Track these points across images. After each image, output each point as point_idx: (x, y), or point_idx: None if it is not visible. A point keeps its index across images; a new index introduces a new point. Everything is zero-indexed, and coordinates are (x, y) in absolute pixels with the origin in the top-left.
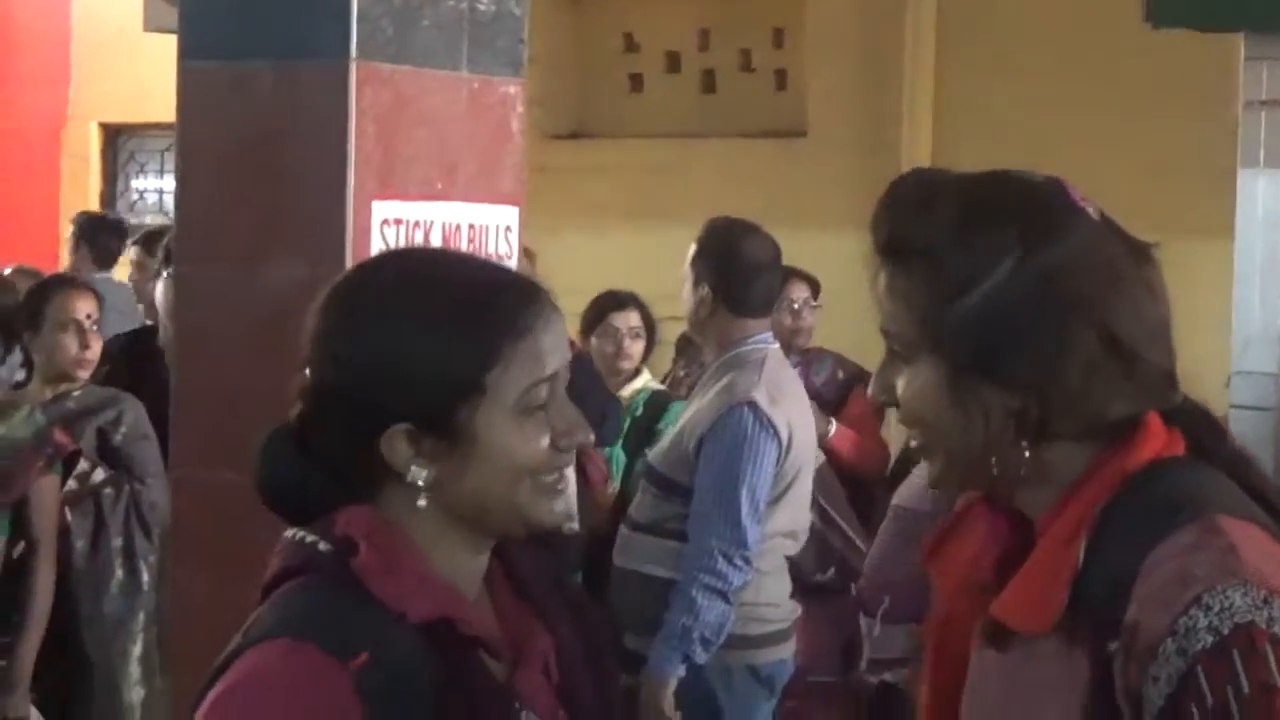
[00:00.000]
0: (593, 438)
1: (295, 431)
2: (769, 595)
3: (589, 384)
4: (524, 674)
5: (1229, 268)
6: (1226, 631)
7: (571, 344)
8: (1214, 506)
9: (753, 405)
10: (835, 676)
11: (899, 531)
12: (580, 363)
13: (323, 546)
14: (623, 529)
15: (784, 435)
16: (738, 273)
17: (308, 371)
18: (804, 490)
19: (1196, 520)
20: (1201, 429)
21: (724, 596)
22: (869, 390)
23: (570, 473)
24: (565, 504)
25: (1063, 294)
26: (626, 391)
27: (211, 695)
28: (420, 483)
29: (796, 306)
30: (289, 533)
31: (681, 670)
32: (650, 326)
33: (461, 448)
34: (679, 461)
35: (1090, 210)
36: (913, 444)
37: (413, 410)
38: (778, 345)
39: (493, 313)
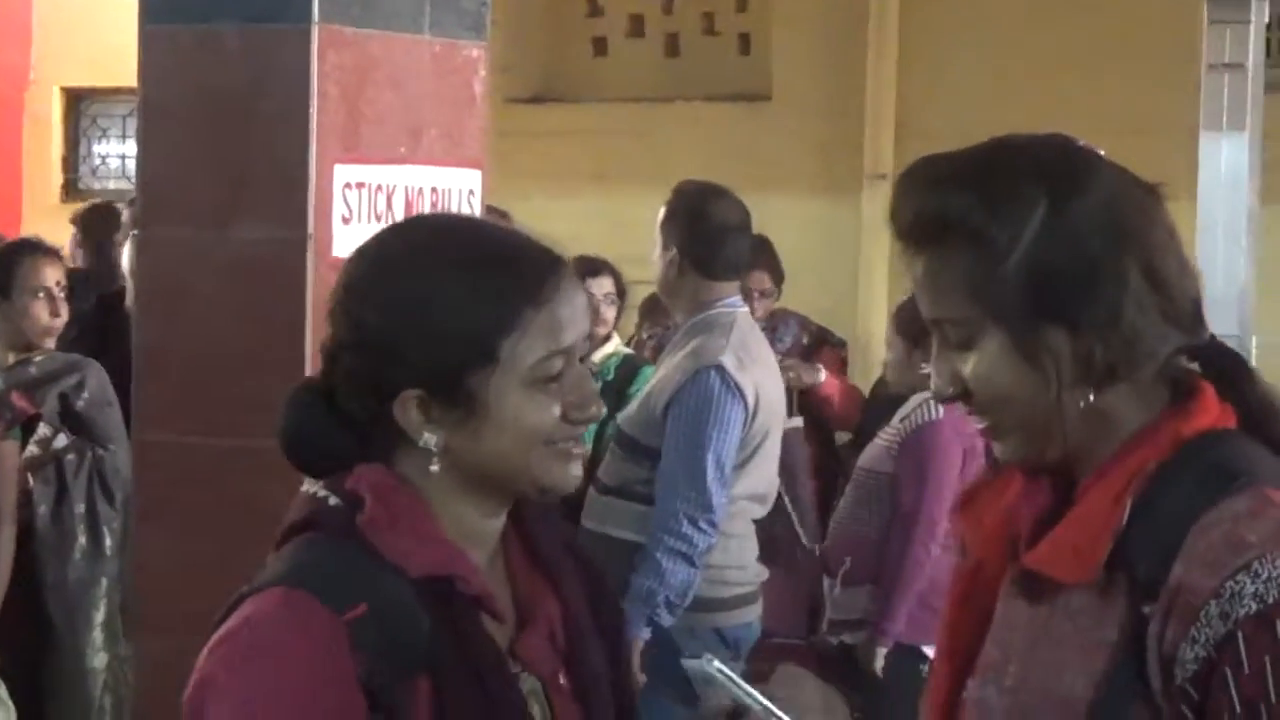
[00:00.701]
0: (604, 412)
1: (318, 387)
2: (735, 558)
3: None
4: (528, 637)
5: (1192, 229)
6: (1271, 600)
7: None
8: (1268, 479)
9: (720, 369)
10: (800, 638)
11: (861, 493)
12: None
13: (332, 501)
14: (591, 492)
15: (751, 399)
16: (706, 235)
17: (330, 329)
18: (771, 454)
19: (1251, 488)
20: (1231, 367)
21: (689, 560)
22: (932, 388)
23: None
24: (579, 469)
25: (1109, 231)
26: (598, 356)
27: (210, 642)
28: (432, 448)
29: (756, 297)
30: (304, 487)
31: (647, 633)
32: (622, 292)
33: (473, 415)
34: (646, 424)
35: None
36: (978, 427)
37: (425, 376)
38: (747, 309)
39: (510, 281)
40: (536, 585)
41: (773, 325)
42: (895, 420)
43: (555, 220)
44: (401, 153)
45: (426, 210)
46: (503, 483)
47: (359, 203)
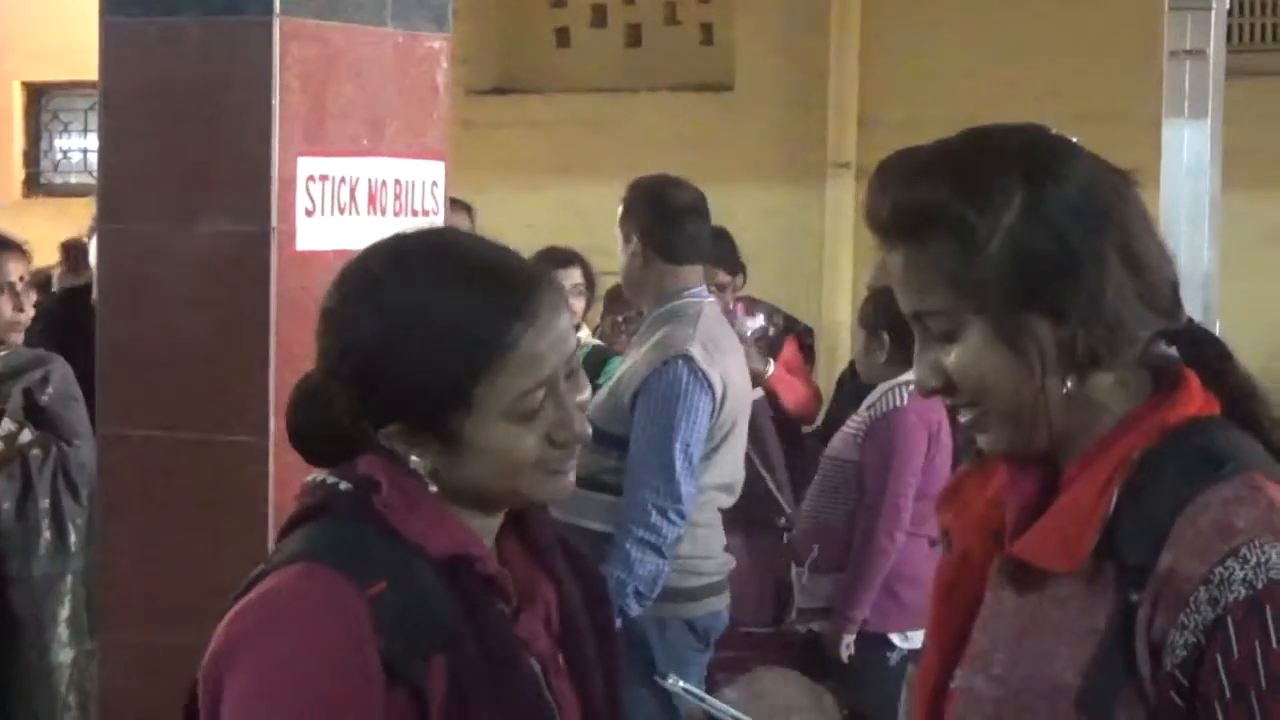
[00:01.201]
0: (589, 431)
1: (316, 390)
2: (704, 548)
3: None
4: (526, 620)
5: (1155, 216)
6: (1261, 586)
7: None
8: (1255, 465)
9: (687, 359)
10: (769, 627)
11: (828, 481)
12: None
13: (343, 486)
14: None
15: (718, 389)
16: (664, 218)
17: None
18: (739, 443)
19: (1239, 475)
20: (1210, 351)
21: (658, 550)
22: (915, 382)
23: None
24: (570, 477)
25: (1087, 217)
26: None
27: (229, 614)
28: (421, 471)
29: (713, 291)
30: (310, 476)
31: (616, 623)
32: (591, 283)
33: (454, 448)
34: (614, 414)
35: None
36: (962, 419)
37: (403, 415)
38: (713, 300)
39: (481, 323)
40: (530, 571)
41: (739, 312)
42: (862, 408)
43: (518, 212)
44: (364, 145)
45: (390, 203)
46: (493, 501)
47: (322, 195)
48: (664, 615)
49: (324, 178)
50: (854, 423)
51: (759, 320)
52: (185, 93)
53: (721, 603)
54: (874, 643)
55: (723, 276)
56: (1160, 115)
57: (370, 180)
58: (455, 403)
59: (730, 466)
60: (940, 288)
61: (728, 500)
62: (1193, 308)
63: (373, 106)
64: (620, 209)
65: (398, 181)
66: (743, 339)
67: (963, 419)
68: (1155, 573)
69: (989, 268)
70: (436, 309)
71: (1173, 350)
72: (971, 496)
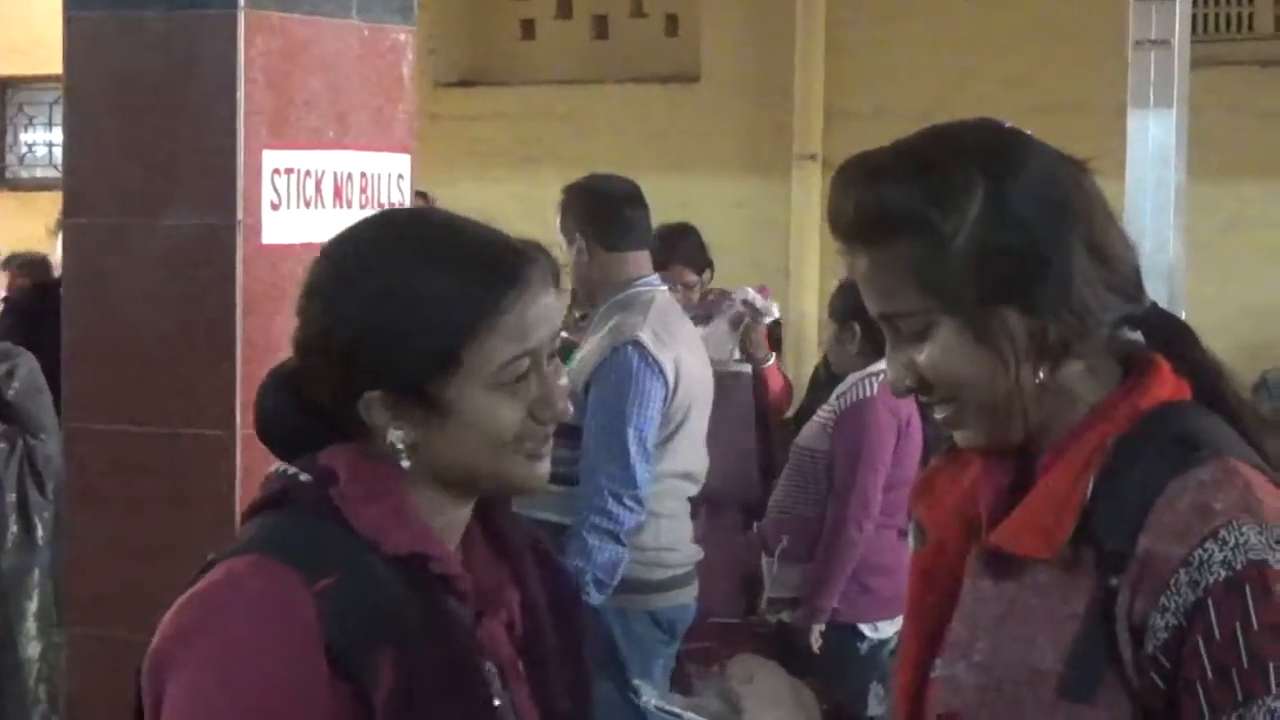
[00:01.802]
0: (572, 410)
1: (290, 374)
2: (668, 539)
3: None
4: (487, 624)
5: (1120, 206)
6: (1240, 566)
7: None
8: (1228, 449)
9: (637, 344)
10: (738, 617)
11: (799, 471)
12: None
13: (303, 478)
14: None
15: (670, 375)
16: (600, 208)
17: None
18: (697, 430)
19: (1215, 459)
20: (1174, 333)
21: (615, 537)
22: (888, 383)
23: None
24: (548, 465)
25: (1050, 207)
26: None
27: (177, 603)
28: (399, 445)
29: (680, 290)
30: (273, 467)
31: (588, 630)
32: (556, 276)
33: (438, 416)
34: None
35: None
36: (938, 416)
37: (387, 379)
38: (666, 289)
39: (474, 284)
40: (495, 574)
41: (708, 311)
42: (831, 398)
43: (484, 204)
44: (330, 137)
45: (355, 196)
46: (470, 480)
47: (288, 188)
48: (627, 607)
49: (289, 171)
50: (824, 412)
51: (736, 306)
52: (150, 86)
53: (688, 595)
54: (844, 633)
55: (690, 276)
56: (1125, 104)
57: (336, 173)
58: (444, 364)
59: (690, 455)
60: (908, 289)
61: (691, 489)
62: (1158, 296)
63: (338, 99)
64: (558, 216)
65: (363, 174)
66: (734, 326)
67: (938, 416)
68: (1134, 557)
69: (956, 266)
70: (431, 273)
71: (1138, 336)
72: (944, 489)
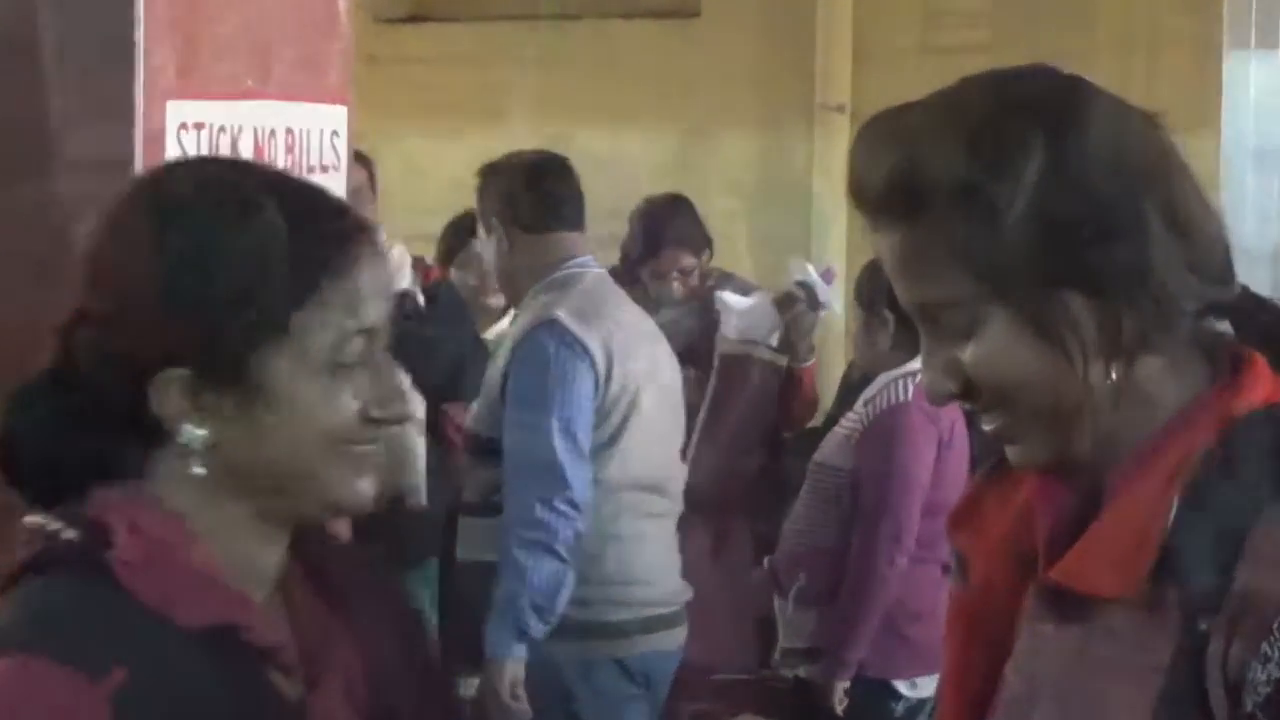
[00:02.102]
0: (415, 412)
1: (52, 380)
2: (634, 570)
3: (452, 322)
4: (320, 695)
5: (1214, 167)
6: None
7: (429, 271)
8: None
9: (551, 323)
10: (748, 672)
11: (818, 493)
12: (443, 294)
13: (67, 535)
14: (460, 518)
15: (599, 357)
16: (518, 184)
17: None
18: (655, 432)
19: None
20: (1271, 323)
21: (551, 551)
22: (924, 388)
23: (419, 438)
24: (376, 484)
25: (1121, 170)
26: (492, 334)
27: None
28: (195, 445)
29: (676, 276)
30: (29, 518)
31: (521, 651)
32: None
33: (252, 403)
34: (490, 415)
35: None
36: (986, 428)
37: (194, 350)
38: (603, 271)
39: (306, 242)
40: (327, 630)
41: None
42: (858, 403)
43: (437, 164)
44: (249, 86)
45: (280, 156)
46: (283, 493)
47: (197, 147)
48: (589, 655)
49: (199, 126)
50: (849, 421)
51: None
52: (29, 31)
53: (670, 640)
54: (874, 691)
55: (687, 259)
56: (1221, 45)
57: (256, 129)
58: (270, 330)
59: (649, 461)
60: (951, 272)
61: (658, 503)
62: (1261, 278)
63: (258, 40)
64: (476, 205)
65: (289, 130)
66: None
67: (986, 427)
68: (1228, 595)
69: (1010, 243)
70: (261, 219)
71: (1227, 326)
72: (992, 513)
